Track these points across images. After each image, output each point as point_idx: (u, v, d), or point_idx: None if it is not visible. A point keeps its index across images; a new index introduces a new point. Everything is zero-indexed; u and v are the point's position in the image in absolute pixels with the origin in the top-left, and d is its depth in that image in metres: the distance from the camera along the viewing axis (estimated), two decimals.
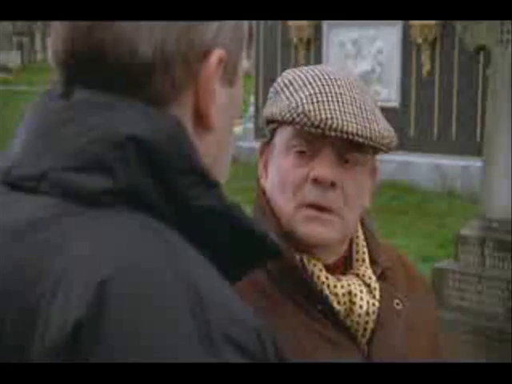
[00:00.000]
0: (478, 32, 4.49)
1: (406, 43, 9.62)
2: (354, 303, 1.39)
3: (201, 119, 0.86)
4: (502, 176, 4.45)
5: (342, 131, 1.33)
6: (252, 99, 11.66)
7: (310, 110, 1.35)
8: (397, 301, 1.45)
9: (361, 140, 1.34)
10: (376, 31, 9.66)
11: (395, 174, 9.29)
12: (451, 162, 9.21)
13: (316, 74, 1.40)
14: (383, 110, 1.53)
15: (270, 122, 1.43)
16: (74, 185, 0.79)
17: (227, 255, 0.84)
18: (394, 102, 9.77)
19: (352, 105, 1.36)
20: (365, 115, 1.36)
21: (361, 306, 1.39)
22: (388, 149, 1.40)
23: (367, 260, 1.45)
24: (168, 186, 0.80)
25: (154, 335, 0.71)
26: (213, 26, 0.86)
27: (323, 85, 1.38)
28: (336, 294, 1.39)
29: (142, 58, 0.82)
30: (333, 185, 1.37)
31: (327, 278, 1.40)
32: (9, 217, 0.81)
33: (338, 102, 1.36)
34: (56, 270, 0.75)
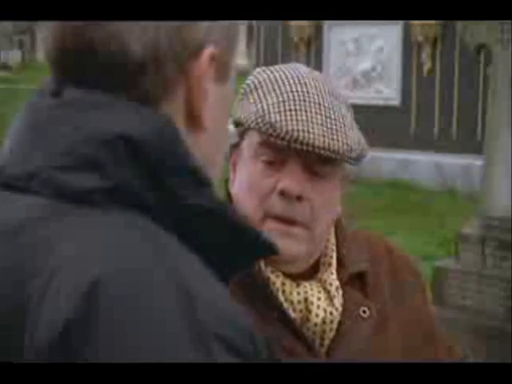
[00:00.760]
0: (478, 31, 4.49)
1: (407, 42, 9.62)
2: (310, 311, 1.36)
3: (193, 118, 0.85)
4: (502, 175, 4.45)
5: (308, 144, 1.30)
6: None
7: (276, 121, 1.31)
8: (363, 308, 1.40)
9: (328, 153, 1.31)
10: (377, 30, 9.65)
11: (395, 172, 9.29)
12: (452, 161, 9.21)
13: (286, 77, 1.36)
14: (384, 108, 1.52)
15: (238, 124, 1.39)
16: (65, 184, 0.79)
17: (220, 254, 0.83)
18: (395, 100, 9.77)
19: (321, 114, 1.32)
20: (334, 126, 1.32)
21: (317, 315, 1.35)
22: (357, 161, 1.36)
23: (334, 264, 1.41)
24: (159, 186, 0.80)
25: (144, 335, 0.71)
26: (204, 24, 0.85)
27: (292, 91, 1.34)
28: (291, 302, 1.36)
29: (133, 57, 0.81)
30: (299, 198, 1.34)
31: (283, 284, 1.37)
32: (0, 217, 0.81)
33: (305, 111, 1.32)
34: (45, 270, 0.75)
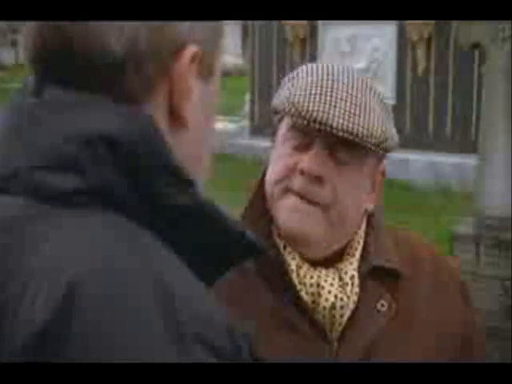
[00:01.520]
0: (472, 30, 4.50)
1: (402, 41, 9.62)
2: (320, 295, 1.38)
3: (175, 117, 0.85)
4: (496, 174, 4.46)
5: (326, 124, 1.33)
6: (247, 97, 11.65)
7: (299, 101, 1.36)
8: (382, 302, 1.41)
9: (346, 135, 1.33)
10: (371, 29, 9.65)
11: (390, 171, 9.28)
12: (446, 160, 9.22)
13: (321, 68, 1.41)
14: None
15: (275, 112, 1.45)
16: (46, 185, 0.78)
17: (203, 254, 0.83)
18: (390, 99, 9.76)
19: (345, 101, 1.35)
20: (357, 112, 1.35)
21: (326, 299, 1.38)
22: (382, 149, 1.39)
23: (356, 256, 1.43)
24: (142, 186, 0.79)
25: (125, 335, 0.70)
26: (186, 24, 0.84)
27: (322, 79, 1.38)
28: (305, 284, 1.39)
29: (113, 57, 0.81)
30: (319, 179, 1.37)
31: (299, 268, 1.40)
32: None
33: (331, 96, 1.35)
34: (26, 271, 0.75)
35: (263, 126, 11.04)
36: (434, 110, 9.51)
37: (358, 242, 1.45)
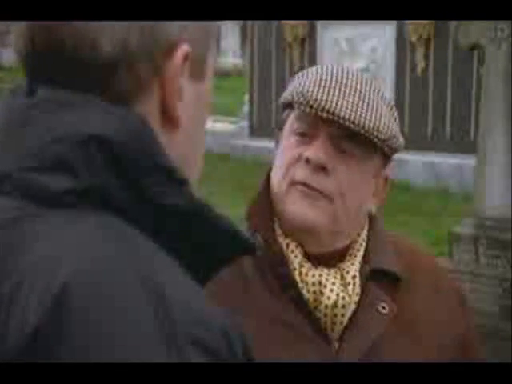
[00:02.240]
0: (471, 31, 4.50)
1: (400, 42, 9.63)
2: (322, 293, 1.39)
3: (168, 117, 0.84)
4: (495, 174, 4.46)
5: (333, 114, 1.34)
6: (246, 98, 11.66)
7: (308, 91, 1.37)
8: (383, 304, 1.42)
9: (352, 127, 1.35)
10: (370, 29, 9.66)
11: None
12: (445, 161, 9.22)
13: (332, 67, 1.43)
14: None
15: (283, 107, 1.46)
16: (37, 185, 0.78)
17: (197, 253, 0.83)
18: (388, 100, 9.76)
19: (354, 95, 1.37)
20: (365, 107, 1.37)
21: (328, 297, 1.38)
22: (387, 146, 1.40)
23: (358, 258, 1.44)
24: (133, 186, 0.79)
25: (116, 335, 0.70)
26: (177, 23, 0.84)
27: (332, 74, 1.40)
28: (306, 283, 1.40)
29: (104, 56, 0.80)
30: (324, 169, 1.38)
31: (301, 266, 1.41)
32: None
33: (339, 89, 1.37)
34: (17, 271, 0.74)
35: (262, 126, 11.05)
36: (433, 110, 9.51)
37: (361, 244, 1.46)
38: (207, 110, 0.92)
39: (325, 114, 1.35)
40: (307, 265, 1.41)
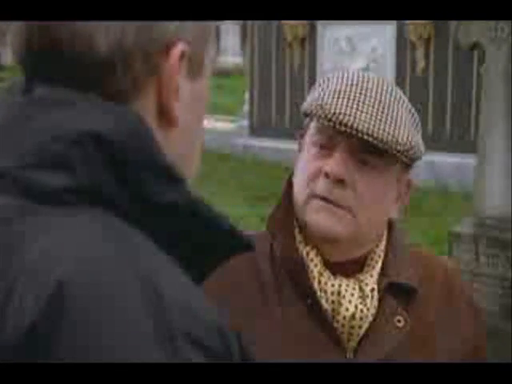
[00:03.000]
0: (471, 30, 4.50)
1: (401, 41, 9.63)
2: (340, 304, 1.39)
3: (165, 116, 0.84)
4: (495, 174, 4.46)
5: (351, 127, 1.34)
6: (246, 97, 11.65)
7: (327, 103, 1.37)
8: (399, 317, 1.42)
9: (370, 140, 1.34)
10: (370, 29, 9.66)
11: None
12: (445, 160, 9.22)
13: (352, 75, 1.42)
14: None
15: (304, 115, 1.46)
16: (36, 183, 0.78)
17: (194, 251, 0.83)
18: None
19: (373, 106, 1.37)
20: (384, 119, 1.36)
21: (347, 309, 1.39)
22: (407, 157, 1.40)
23: (377, 269, 1.44)
24: (131, 184, 0.79)
25: (112, 335, 0.70)
26: (174, 22, 0.84)
27: (351, 84, 1.40)
28: (325, 292, 1.40)
29: (101, 55, 0.81)
30: (342, 182, 1.38)
31: (320, 275, 1.41)
32: None
33: (358, 101, 1.37)
34: (14, 270, 0.74)
35: (262, 125, 11.04)
36: (433, 110, 9.51)
37: (379, 256, 1.46)
38: (205, 109, 0.92)
39: (343, 128, 1.35)
40: (326, 274, 1.41)
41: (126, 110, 0.81)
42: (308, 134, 1.45)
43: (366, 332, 1.40)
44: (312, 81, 9.17)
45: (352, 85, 1.39)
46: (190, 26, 0.85)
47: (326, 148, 1.40)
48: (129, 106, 0.82)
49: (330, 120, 1.35)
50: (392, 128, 1.36)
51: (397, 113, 1.39)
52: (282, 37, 10.59)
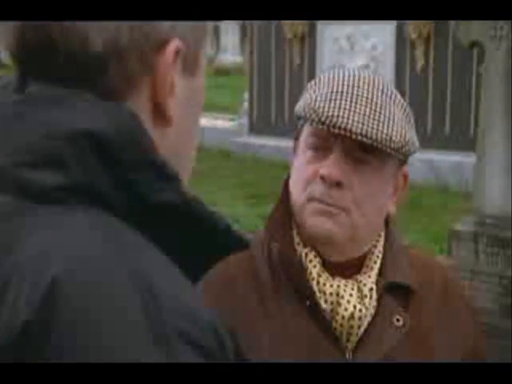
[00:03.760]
0: (471, 28, 4.50)
1: (400, 39, 9.62)
2: (339, 304, 1.40)
3: (159, 113, 0.84)
4: (495, 172, 4.46)
5: (345, 129, 1.34)
6: (246, 95, 11.65)
7: (319, 107, 1.37)
8: (397, 317, 1.43)
9: (365, 140, 1.35)
10: (370, 27, 9.65)
11: None
12: (445, 158, 9.22)
13: (343, 75, 1.42)
14: None
15: (297, 118, 1.46)
16: (27, 181, 0.77)
17: (189, 250, 0.82)
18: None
19: (365, 106, 1.37)
20: (377, 117, 1.36)
21: (346, 309, 1.39)
22: (401, 154, 1.40)
23: (375, 270, 1.45)
24: (125, 183, 0.78)
25: (107, 335, 0.69)
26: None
27: (343, 84, 1.40)
28: (324, 293, 1.40)
29: (94, 50, 0.80)
30: (339, 184, 1.38)
31: (319, 276, 1.41)
32: None
33: (350, 101, 1.37)
34: (8, 269, 0.74)
35: (262, 123, 11.04)
36: (433, 108, 9.51)
37: (377, 256, 1.46)
38: (200, 108, 0.91)
39: (337, 130, 1.35)
40: (325, 275, 1.42)
41: (120, 109, 0.80)
42: (302, 135, 1.45)
43: (365, 332, 1.41)
44: (312, 79, 9.16)
45: (343, 85, 1.39)
46: (185, 25, 0.85)
47: (321, 150, 1.41)
48: (123, 105, 0.81)
49: (323, 123, 1.36)
50: (386, 127, 1.36)
51: (389, 110, 1.39)
52: (282, 35, 10.58)
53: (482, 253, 4.45)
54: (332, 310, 1.40)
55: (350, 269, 1.44)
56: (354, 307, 1.40)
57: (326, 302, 1.40)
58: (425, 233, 7.31)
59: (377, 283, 1.43)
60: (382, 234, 1.49)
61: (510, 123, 4.44)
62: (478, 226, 4.48)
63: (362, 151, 1.39)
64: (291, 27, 10.37)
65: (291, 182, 1.46)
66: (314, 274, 1.41)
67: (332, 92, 1.39)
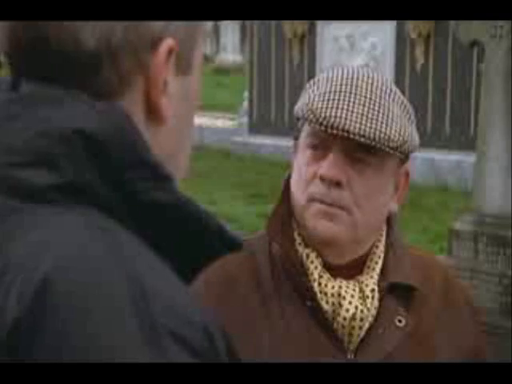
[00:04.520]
0: (471, 27, 4.50)
1: (400, 38, 9.62)
2: (341, 305, 1.39)
3: (152, 112, 0.83)
4: (495, 171, 4.46)
5: (343, 130, 1.34)
6: (246, 95, 11.65)
7: (317, 108, 1.37)
8: (399, 318, 1.42)
9: (363, 140, 1.34)
10: (370, 27, 9.65)
11: None
12: (444, 157, 9.23)
13: (341, 73, 1.42)
14: None
15: (297, 118, 1.46)
16: (19, 181, 0.77)
17: (182, 250, 0.82)
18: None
19: (364, 105, 1.36)
20: (375, 116, 1.36)
21: (347, 310, 1.39)
22: (401, 152, 1.39)
23: (377, 270, 1.44)
24: (117, 182, 0.78)
25: (98, 335, 0.69)
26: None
27: (341, 84, 1.39)
28: (325, 293, 1.40)
29: (87, 48, 0.80)
30: (338, 184, 1.38)
31: (320, 276, 1.41)
32: None
33: (348, 101, 1.36)
34: (0, 268, 0.74)
35: (262, 123, 11.04)
36: (433, 107, 9.51)
37: (379, 257, 1.46)
38: (194, 107, 0.91)
39: (335, 131, 1.35)
40: (326, 276, 1.42)
41: (112, 108, 0.80)
42: (302, 135, 1.45)
43: (367, 332, 1.40)
44: (311, 79, 9.15)
45: (342, 85, 1.39)
46: (179, 24, 0.84)
47: (320, 150, 1.40)
48: (116, 104, 0.81)
49: (321, 124, 1.36)
50: (384, 126, 1.36)
51: (388, 109, 1.38)
52: (282, 35, 10.58)
53: (482, 252, 4.44)
54: (333, 311, 1.39)
55: (351, 269, 1.44)
56: (356, 308, 1.39)
57: (327, 302, 1.40)
58: (424, 232, 7.31)
59: (378, 284, 1.43)
60: (384, 233, 1.49)
61: (510, 122, 4.43)
62: (477, 226, 4.47)
63: (361, 151, 1.38)
64: (291, 27, 10.37)
65: (292, 182, 1.46)
66: (316, 275, 1.41)
67: (330, 92, 1.38)
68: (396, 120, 1.38)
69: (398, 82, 9.68)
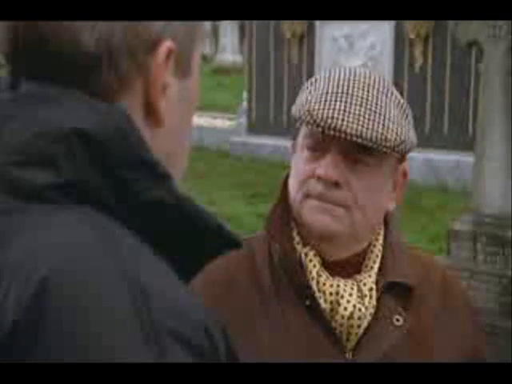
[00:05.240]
0: (470, 28, 4.50)
1: (399, 39, 9.62)
2: (339, 304, 1.40)
3: (151, 113, 0.84)
4: (494, 171, 4.47)
5: (340, 131, 1.35)
6: (245, 95, 11.65)
7: (314, 109, 1.37)
8: (397, 317, 1.43)
9: (359, 141, 1.35)
10: (369, 27, 9.65)
11: None
12: (443, 157, 9.23)
13: (339, 73, 1.42)
14: None
15: (294, 119, 1.46)
16: (17, 180, 0.77)
17: (181, 250, 0.82)
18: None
19: (361, 106, 1.37)
20: (372, 117, 1.36)
21: (345, 308, 1.39)
22: (398, 152, 1.40)
23: (375, 269, 1.45)
24: (117, 181, 0.78)
25: (99, 335, 0.69)
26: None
27: (338, 85, 1.40)
28: (324, 292, 1.40)
29: (86, 49, 0.80)
30: (337, 184, 1.38)
31: (319, 275, 1.41)
32: None
33: (345, 102, 1.37)
34: None
35: (260, 123, 11.04)
36: (432, 107, 9.51)
37: (377, 256, 1.46)
38: (193, 108, 0.91)
39: (332, 132, 1.35)
40: (325, 274, 1.42)
41: (112, 108, 0.80)
42: (300, 136, 1.46)
43: (365, 331, 1.41)
44: (310, 78, 9.15)
45: (338, 86, 1.39)
46: (178, 25, 0.85)
47: (318, 150, 1.41)
48: (115, 104, 0.81)
49: (318, 125, 1.36)
50: (381, 126, 1.36)
51: (385, 109, 1.39)
52: (281, 35, 10.58)
53: (481, 252, 4.45)
54: (332, 310, 1.40)
55: (349, 268, 1.44)
56: (354, 307, 1.40)
57: (325, 301, 1.40)
58: (424, 232, 7.31)
59: (377, 283, 1.43)
60: (382, 232, 1.49)
61: (509, 123, 4.44)
62: (476, 226, 4.48)
63: (359, 151, 1.39)
64: (290, 27, 10.37)
65: (290, 182, 1.46)
66: (314, 274, 1.41)
67: (327, 93, 1.39)
68: (393, 120, 1.39)
69: (397, 82, 9.68)
